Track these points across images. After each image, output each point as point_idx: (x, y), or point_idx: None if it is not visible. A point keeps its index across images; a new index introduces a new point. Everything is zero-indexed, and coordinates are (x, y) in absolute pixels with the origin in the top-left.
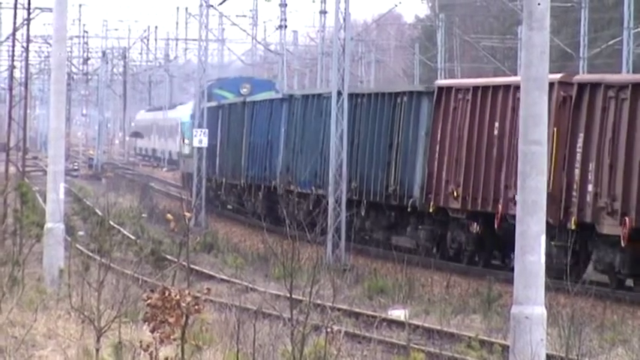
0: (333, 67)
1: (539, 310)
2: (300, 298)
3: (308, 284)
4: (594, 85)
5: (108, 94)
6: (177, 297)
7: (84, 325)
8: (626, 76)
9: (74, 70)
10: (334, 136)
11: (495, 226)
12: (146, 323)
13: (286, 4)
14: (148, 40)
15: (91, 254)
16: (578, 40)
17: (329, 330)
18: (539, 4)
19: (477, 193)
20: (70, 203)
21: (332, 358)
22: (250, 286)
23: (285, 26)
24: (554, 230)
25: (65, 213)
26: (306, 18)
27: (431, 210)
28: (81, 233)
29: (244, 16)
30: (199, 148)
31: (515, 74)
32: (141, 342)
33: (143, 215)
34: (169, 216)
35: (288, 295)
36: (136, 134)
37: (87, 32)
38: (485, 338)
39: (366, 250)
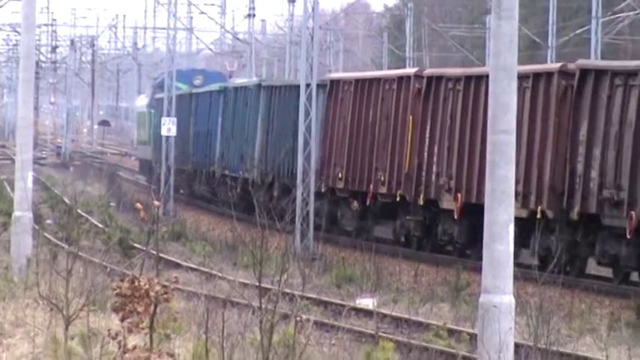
0: (302, 56)
1: (508, 299)
2: (269, 286)
3: (277, 273)
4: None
5: (76, 82)
6: (146, 286)
7: (52, 313)
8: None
9: (42, 58)
10: (302, 126)
11: (367, 203)
12: (114, 312)
13: None
14: (116, 28)
15: (59, 243)
16: (546, 29)
17: (297, 319)
18: None
19: (356, 175)
20: (38, 192)
21: (300, 347)
22: (219, 274)
23: (254, 15)
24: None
25: (33, 201)
26: (274, 7)
27: (323, 190)
28: (49, 222)
29: (213, 4)
30: (167, 137)
31: (484, 63)
32: (109, 330)
33: (111, 204)
34: (139, 205)
35: (257, 283)
36: (104, 122)
37: (55, 20)
38: (454, 327)
39: (335, 239)
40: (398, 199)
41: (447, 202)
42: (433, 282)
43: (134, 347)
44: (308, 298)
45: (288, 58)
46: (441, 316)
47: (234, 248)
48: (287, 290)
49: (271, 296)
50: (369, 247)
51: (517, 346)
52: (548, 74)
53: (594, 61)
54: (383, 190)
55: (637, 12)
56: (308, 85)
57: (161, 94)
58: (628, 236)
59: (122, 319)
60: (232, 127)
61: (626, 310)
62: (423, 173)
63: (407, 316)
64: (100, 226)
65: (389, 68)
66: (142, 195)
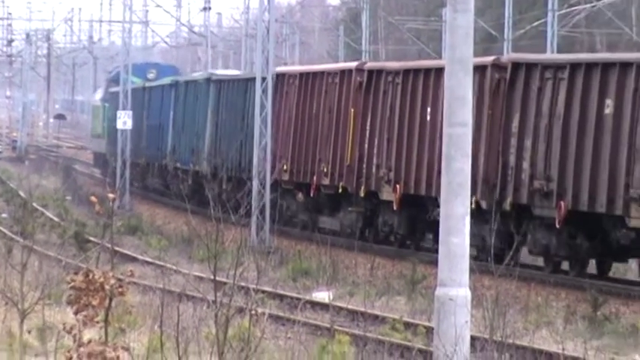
0: (257, 49)
1: (464, 292)
2: (224, 280)
3: (232, 266)
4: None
5: (32, 76)
6: (101, 279)
7: (7, 307)
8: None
9: None
10: (258, 119)
11: (311, 194)
12: (69, 305)
13: None
14: (72, 21)
15: (14, 236)
16: (502, 22)
17: (253, 312)
18: None
19: (300, 167)
20: None
21: (256, 340)
22: (174, 268)
23: (210, 8)
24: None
25: None
26: (230, 0)
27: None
28: (4, 215)
29: None
30: (123, 130)
31: (440, 56)
32: (64, 324)
33: (67, 197)
34: (94, 198)
35: (212, 277)
36: (60, 116)
37: (11, 14)
38: (410, 320)
39: (291, 233)
40: (340, 190)
41: (387, 194)
42: (389, 275)
43: (89, 341)
44: (263, 292)
45: (244, 51)
46: (397, 310)
47: (189, 242)
48: (242, 284)
49: (226, 290)
50: (325, 241)
51: (473, 339)
52: (482, 67)
53: (526, 55)
54: (326, 181)
55: (593, 5)
56: (264, 79)
57: (115, 87)
58: (557, 226)
59: (76, 313)
60: (183, 120)
61: (582, 303)
62: (364, 165)
63: (363, 309)
64: (56, 219)
65: (345, 61)
66: (98, 188)
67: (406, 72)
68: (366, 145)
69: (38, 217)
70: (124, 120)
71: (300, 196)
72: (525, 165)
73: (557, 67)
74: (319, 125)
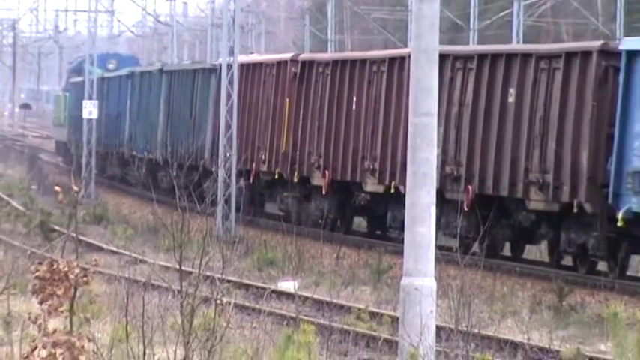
0: (223, 39)
1: (429, 282)
2: (190, 269)
3: (197, 256)
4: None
5: None
6: (66, 268)
7: None
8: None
9: None
10: (224, 109)
11: (251, 181)
12: (34, 295)
13: None
14: (37, 11)
15: None
16: (468, 12)
17: (218, 302)
18: None
19: (241, 154)
20: None
21: (221, 330)
22: (140, 257)
23: None
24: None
25: None
26: None
27: (213, 169)
28: None
29: None
30: (89, 120)
31: (406, 45)
32: (29, 314)
33: (32, 187)
34: (57, 188)
35: (178, 266)
36: (26, 105)
37: None
38: (375, 310)
39: (257, 222)
40: (277, 177)
41: (317, 179)
42: (355, 265)
43: (54, 330)
44: (229, 281)
45: (210, 40)
46: (363, 299)
47: (155, 231)
48: (208, 273)
49: (192, 279)
50: (291, 230)
51: (438, 328)
52: (402, 59)
53: (446, 47)
54: (264, 168)
55: None
56: (230, 68)
57: (75, 77)
58: (466, 209)
59: (41, 302)
60: (139, 110)
61: (547, 292)
62: (297, 152)
63: (328, 299)
64: (21, 209)
65: (311, 51)
66: (64, 178)
67: (335, 63)
68: (299, 133)
69: (4, 207)
70: (90, 110)
71: (241, 182)
72: (438, 151)
73: (467, 57)
74: (258, 114)
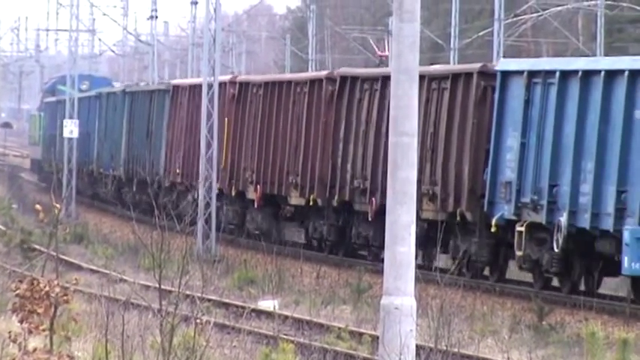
0: (204, 58)
1: (409, 301)
2: (170, 288)
3: (177, 275)
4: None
5: None
6: (46, 287)
7: None
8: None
9: None
10: (204, 128)
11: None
12: (14, 314)
13: None
14: (18, 30)
15: None
16: (449, 32)
17: (198, 321)
18: None
19: (190, 170)
20: None
21: (201, 349)
22: (120, 276)
23: (156, 17)
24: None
25: None
26: (177, 8)
27: (167, 184)
28: None
29: (115, 6)
30: (70, 139)
31: (386, 65)
32: (9, 332)
33: (13, 205)
34: (38, 206)
35: (158, 285)
36: (6, 124)
37: None
38: (355, 329)
39: (237, 241)
40: (218, 191)
41: (251, 193)
42: (335, 284)
43: (34, 349)
44: (209, 300)
45: (191, 59)
46: (343, 318)
47: (136, 250)
48: (188, 292)
49: (172, 298)
50: (271, 249)
51: (418, 347)
52: (319, 80)
53: (352, 69)
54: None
55: (539, 14)
56: (210, 87)
57: (50, 97)
58: (370, 219)
59: (21, 321)
60: (105, 129)
61: (527, 312)
62: (235, 168)
63: (308, 318)
64: (2, 227)
65: (291, 70)
66: (44, 196)
67: (266, 85)
68: (237, 150)
69: None
70: (71, 129)
71: (189, 196)
72: (348, 166)
73: (373, 79)
74: (198, 132)
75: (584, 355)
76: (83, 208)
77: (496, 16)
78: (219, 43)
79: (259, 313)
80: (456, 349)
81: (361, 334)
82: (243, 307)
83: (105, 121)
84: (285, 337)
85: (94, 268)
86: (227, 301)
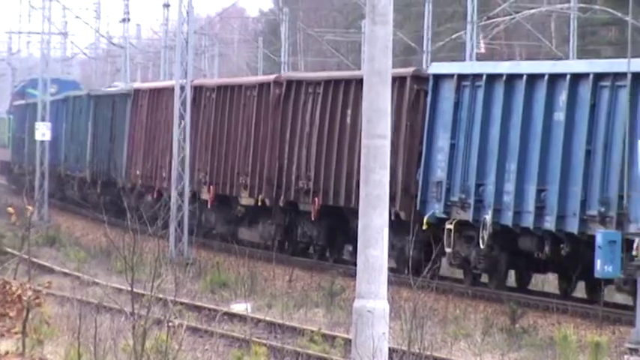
0: (176, 61)
1: (382, 304)
2: (142, 292)
3: (150, 278)
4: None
5: None
6: (18, 290)
7: None
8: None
9: None
10: (177, 131)
11: (154, 196)
12: None
13: None
14: None
15: None
16: (422, 34)
17: (170, 324)
18: None
19: (149, 172)
20: None
21: (173, 352)
22: (92, 279)
23: (129, 19)
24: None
25: None
26: (149, 11)
27: (129, 185)
28: None
29: (87, 9)
30: (42, 142)
31: (359, 67)
32: None
33: None
34: (10, 209)
35: (130, 288)
36: None
37: None
38: (328, 332)
39: (210, 244)
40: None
41: (205, 194)
42: (308, 287)
43: (6, 352)
44: (181, 304)
45: (163, 62)
46: (316, 322)
47: (108, 253)
48: (160, 295)
49: (144, 301)
50: (244, 252)
51: (391, 350)
52: (267, 84)
53: (298, 73)
54: (164, 184)
55: (512, 17)
56: (183, 89)
57: (19, 101)
58: (313, 218)
59: None
60: (72, 132)
61: (500, 315)
62: (193, 170)
63: (281, 321)
64: None
65: (264, 73)
66: (15, 199)
67: (219, 88)
68: (192, 152)
69: None
70: (43, 132)
71: (149, 197)
72: (294, 167)
73: (316, 83)
74: (161, 136)
75: (557, 358)
76: (55, 210)
77: (469, 18)
78: (192, 46)
79: (232, 316)
80: (428, 352)
81: (334, 338)
82: (215, 311)
83: (71, 124)
84: (257, 340)
85: (67, 271)
86: (199, 304)
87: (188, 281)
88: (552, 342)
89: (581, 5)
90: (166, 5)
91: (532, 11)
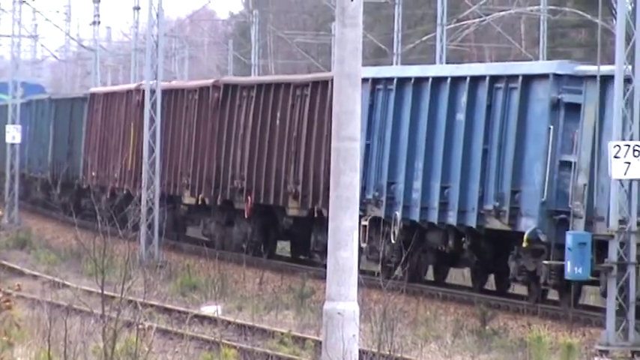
0: (147, 64)
1: (352, 306)
2: (113, 294)
3: (120, 280)
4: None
5: None
6: None
7: None
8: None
9: None
10: (147, 133)
11: (109, 196)
12: None
13: (99, 0)
14: None
15: None
16: (392, 37)
17: (141, 326)
18: (351, 0)
19: (103, 173)
20: None
21: (143, 355)
22: (62, 282)
23: (99, 22)
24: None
25: None
26: (120, 14)
27: (84, 186)
28: None
29: (58, 12)
30: (12, 144)
31: (329, 70)
32: None
33: None
34: None
35: (100, 291)
36: None
37: None
38: (298, 334)
39: (180, 246)
40: (125, 192)
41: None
42: (278, 289)
43: None
44: (152, 306)
45: (134, 65)
46: (286, 324)
47: (78, 256)
48: (130, 298)
49: (114, 304)
50: (214, 255)
51: (361, 352)
52: (207, 88)
53: (234, 78)
54: (117, 185)
55: (482, 19)
56: (153, 92)
57: None
58: (246, 216)
59: None
60: (35, 134)
61: (470, 317)
62: (140, 170)
63: (251, 323)
64: None
65: (234, 75)
66: None
67: (164, 92)
68: (141, 154)
69: None
70: (13, 134)
71: (104, 197)
72: (230, 167)
73: (249, 87)
74: (113, 138)
75: (528, 359)
76: (26, 213)
77: (438, 21)
78: (162, 49)
79: (202, 318)
80: (399, 354)
81: (304, 340)
82: (185, 313)
83: (34, 127)
84: (227, 342)
85: (37, 273)
86: (170, 306)
87: (158, 284)
88: (523, 344)
89: (551, 7)
90: (136, 8)
91: (502, 13)
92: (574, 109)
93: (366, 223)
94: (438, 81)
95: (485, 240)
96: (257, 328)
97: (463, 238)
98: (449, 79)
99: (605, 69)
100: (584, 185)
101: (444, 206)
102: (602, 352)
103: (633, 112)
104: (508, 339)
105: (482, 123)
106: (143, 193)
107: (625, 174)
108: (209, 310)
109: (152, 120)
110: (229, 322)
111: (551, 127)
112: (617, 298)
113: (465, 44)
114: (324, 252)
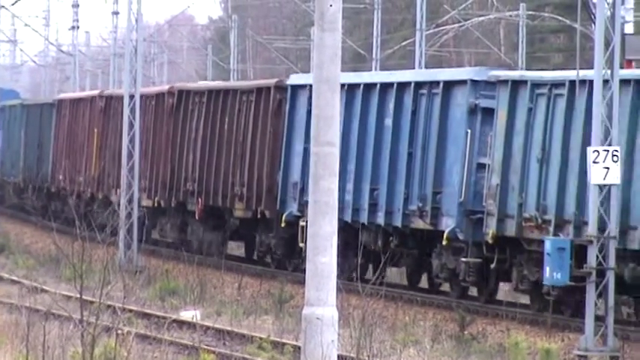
0: (125, 68)
1: (331, 312)
2: (91, 299)
3: (99, 285)
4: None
5: None
6: None
7: None
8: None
9: None
10: (126, 138)
11: (75, 198)
12: None
13: (78, 5)
14: None
15: None
16: (371, 42)
17: (119, 331)
18: (330, 5)
19: (72, 176)
20: None
21: None
22: (41, 287)
23: (78, 27)
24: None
25: None
26: (99, 19)
27: (53, 190)
28: None
29: (37, 16)
30: None
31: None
32: None
33: None
34: None
35: (79, 296)
36: None
37: None
38: (277, 339)
39: (159, 252)
40: (89, 195)
41: (114, 197)
42: (257, 294)
43: None
44: (130, 311)
45: (112, 70)
46: (265, 329)
47: (57, 261)
48: (109, 303)
49: (93, 309)
50: (193, 260)
51: (340, 358)
52: (163, 94)
53: (188, 84)
54: (82, 188)
55: (461, 24)
56: (132, 97)
57: None
58: (197, 217)
59: None
60: (8, 139)
61: (449, 322)
62: (103, 174)
63: (230, 328)
64: None
65: (213, 80)
66: None
67: (131, 98)
68: (104, 158)
69: None
70: None
71: (71, 200)
72: (183, 170)
73: (201, 93)
74: (78, 143)
75: None
76: (4, 218)
77: (418, 26)
78: (141, 54)
79: (181, 323)
80: (377, 359)
81: (283, 345)
82: (164, 318)
83: (7, 132)
84: (206, 347)
85: (15, 278)
86: (148, 311)
87: (137, 289)
88: (501, 348)
89: (530, 12)
90: (115, 13)
91: (481, 18)
92: (489, 113)
93: (304, 224)
94: (368, 87)
95: (411, 239)
96: (236, 333)
97: (391, 238)
98: (378, 86)
99: (514, 74)
100: (497, 185)
101: (373, 207)
102: (581, 357)
103: (612, 117)
104: (487, 344)
105: (407, 127)
106: (122, 198)
107: (604, 179)
108: (188, 315)
109: (131, 125)
110: (208, 327)
111: (469, 130)
112: (595, 304)
113: (445, 49)
114: (267, 252)
